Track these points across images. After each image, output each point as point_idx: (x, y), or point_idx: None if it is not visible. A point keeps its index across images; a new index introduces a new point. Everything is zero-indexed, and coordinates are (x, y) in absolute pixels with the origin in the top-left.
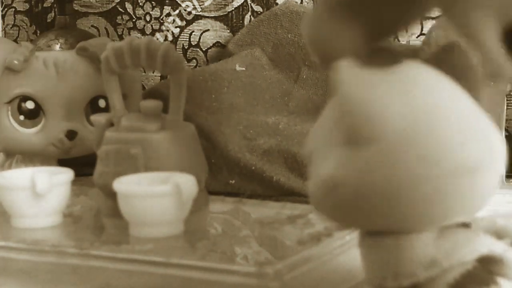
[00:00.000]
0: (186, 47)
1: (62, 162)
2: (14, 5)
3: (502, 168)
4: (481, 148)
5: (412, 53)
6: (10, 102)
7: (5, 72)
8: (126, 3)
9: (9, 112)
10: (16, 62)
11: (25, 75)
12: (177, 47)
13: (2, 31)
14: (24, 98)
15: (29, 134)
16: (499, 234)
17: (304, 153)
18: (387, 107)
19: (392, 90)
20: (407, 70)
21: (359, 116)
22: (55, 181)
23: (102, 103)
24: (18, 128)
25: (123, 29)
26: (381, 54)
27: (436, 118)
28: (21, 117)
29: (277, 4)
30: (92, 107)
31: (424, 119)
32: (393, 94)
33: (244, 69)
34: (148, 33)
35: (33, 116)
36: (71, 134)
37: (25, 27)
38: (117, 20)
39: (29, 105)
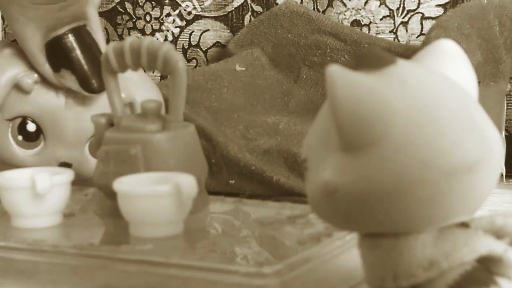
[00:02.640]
0: (186, 47)
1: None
2: None
3: (501, 166)
4: (479, 146)
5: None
6: (12, 120)
7: (14, 89)
8: (126, 3)
9: (9, 129)
10: (28, 81)
11: (32, 96)
12: (177, 47)
13: (2, 31)
14: (26, 118)
15: (24, 155)
16: (498, 234)
17: (300, 158)
18: (384, 110)
19: (388, 92)
20: (401, 71)
21: (356, 122)
22: (55, 181)
23: None
24: (15, 146)
25: (123, 29)
26: (370, 57)
27: (433, 118)
28: (20, 137)
29: (277, 4)
30: None
31: (421, 120)
32: (389, 96)
33: (244, 69)
34: (148, 33)
35: (32, 138)
36: (64, 166)
37: None
38: (117, 20)
39: (30, 127)
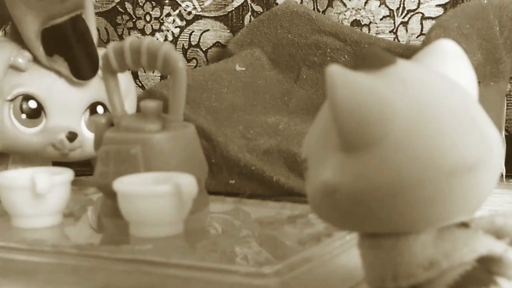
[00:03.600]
0: (186, 47)
1: (61, 162)
2: None
3: (501, 166)
4: (479, 146)
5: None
6: (12, 100)
7: (10, 71)
8: (126, 3)
9: (11, 111)
10: (21, 61)
11: (28, 75)
12: (177, 47)
13: (2, 30)
14: (27, 97)
15: (29, 134)
16: (498, 234)
17: (300, 158)
18: (384, 110)
19: (388, 92)
20: (401, 71)
21: (356, 122)
22: (55, 181)
23: (100, 109)
24: (19, 127)
25: (123, 29)
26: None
27: (433, 118)
28: (23, 116)
29: (277, 4)
30: (90, 113)
31: (421, 120)
32: (389, 96)
33: (244, 69)
34: (148, 33)
35: (34, 115)
36: (72, 136)
37: None
38: (117, 20)
39: (32, 104)
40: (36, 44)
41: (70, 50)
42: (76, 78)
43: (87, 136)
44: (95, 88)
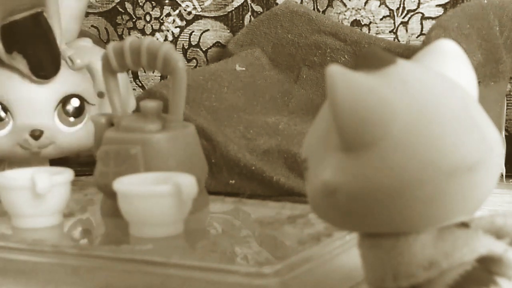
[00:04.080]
0: (186, 47)
1: (61, 162)
2: None
3: (501, 166)
4: (479, 146)
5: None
6: None
7: None
8: (126, 3)
9: None
10: None
11: None
12: (177, 47)
13: None
14: None
15: None
16: (498, 234)
17: (300, 158)
18: (384, 110)
19: (388, 92)
20: (401, 71)
21: (356, 122)
22: (55, 181)
23: (75, 102)
24: None
25: (123, 29)
26: (370, 57)
27: (433, 118)
28: None
29: (277, 4)
30: (65, 106)
31: (421, 120)
32: (389, 96)
33: (244, 69)
34: (148, 33)
35: (1, 118)
36: (35, 133)
37: None
38: (117, 20)
39: None
40: None
41: (30, 47)
42: (36, 77)
43: (63, 130)
44: (66, 82)
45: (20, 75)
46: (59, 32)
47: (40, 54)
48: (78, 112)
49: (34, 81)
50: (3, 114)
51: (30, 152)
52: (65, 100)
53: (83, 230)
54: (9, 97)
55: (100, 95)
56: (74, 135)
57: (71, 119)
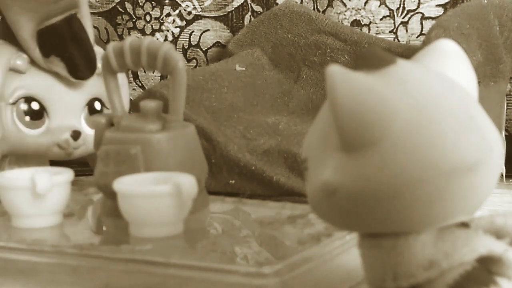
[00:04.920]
0: (186, 47)
1: (61, 162)
2: None
3: (501, 166)
4: (479, 146)
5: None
6: (14, 103)
7: (10, 74)
8: (126, 3)
9: (14, 114)
10: (20, 63)
11: (28, 77)
12: (177, 47)
13: None
14: (28, 99)
15: (34, 136)
16: (498, 234)
17: (300, 158)
18: (384, 110)
19: (388, 92)
20: (401, 71)
21: (356, 122)
22: (55, 181)
23: (97, 105)
24: (24, 129)
25: (123, 29)
26: (370, 57)
27: (433, 118)
28: (27, 118)
29: (277, 4)
30: (89, 110)
31: (421, 120)
32: (389, 96)
33: (244, 69)
34: (148, 33)
35: (37, 117)
36: (76, 134)
37: None
38: (117, 20)
39: (34, 106)
40: (32, 46)
41: (66, 50)
42: (74, 78)
43: (88, 133)
44: (91, 85)
45: (54, 76)
46: (91, 32)
47: (76, 56)
48: None
49: (70, 82)
50: (40, 113)
51: (65, 153)
52: (90, 103)
53: (83, 230)
54: (45, 96)
55: None
56: None
57: None
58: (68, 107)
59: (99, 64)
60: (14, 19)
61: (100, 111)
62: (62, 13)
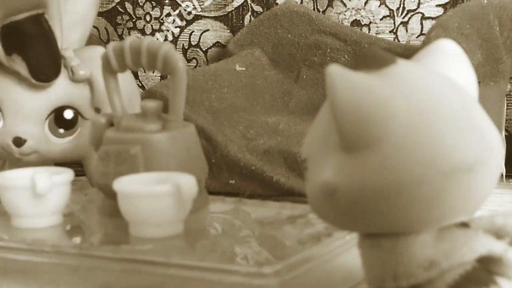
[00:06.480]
0: (186, 47)
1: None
2: None
3: (501, 166)
4: (479, 146)
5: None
6: None
7: None
8: (126, 3)
9: None
10: None
11: None
12: (177, 47)
13: None
14: None
15: None
16: (498, 234)
17: (300, 158)
18: (384, 111)
19: (388, 92)
20: (401, 71)
21: (356, 122)
22: (55, 181)
23: (68, 114)
24: None
25: (123, 29)
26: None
27: (433, 118)
28: None
29: (277, 4)
30: (58, 117)
31: (421, 120)
32: (389, 96)
33: (244, 69)
34: (148, 33)
35: None
36: (18, 141)
37: None
38: (117, 20)
39: None
40: None
41: (30, 49)
42: (35, 80)
43: (52, 141)
44: (62, 92)
45: (17, 78)
46: (60, 35)
47: (40, 57)
48: (71, 125)
49: (32, 85)
50: None
51: (14, 157)
52: (58, 110)
53: (83, 230)
54: (2, 98)
55: (97, 110)
56: (60, 147)
57: (61, 130)
58: (25, 112)
59: (82, 72)
60: None
61: (72, 120)
62: (28, 11)
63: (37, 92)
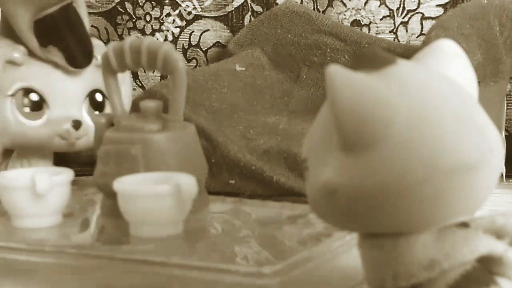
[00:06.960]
0: (186, 47)
1: (61, 163)
2: None
3: (501, 166)
4: (479, 146)
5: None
6: (13, 95)
7: (7, 66)
8: (126, 3)
9: (14, 105)
10: (16, 55)
11: (26, 68)
12: (177, 47)
13: None
14: (27, 90)
15: (34, 127)
16: (498, 234)
17: (300, 158)
18: (384, 111)
19: (388, 92)
20: (401, 71)
21: (356, 122)
22: (55, 181)
23: (99, 96)
24: (24, 120)
25: (123, 29)
26: (370, 57)
27: (433, 118)
28: (26, 109)
29: (277, 4)
30: (91, 100)
31: (421, 120)
32: (389, 96)
33: (244, 69)
34: (148, 33)
35: (38, 107)
36: (77, 124)
37: None
38: (117, 20)
39: (33, 97)
40: (29, 37)
41: (63, 39)
42: (72, 67)
43: (90, 124)
44: (91, 76)
45: (52, 66)
46: (87, 21)
47: (73, 45)
48: (101, 107)
49: (69, 71)
50: (39, 104)
51: (68, 143)
52: (91, 94)
53: (83, 230)
54: (44, 87)
55: None
56: None
57: (96, 113)
58: (68, 97)
59: (98, 56)
60: (12, 11)
61: (102, 103)
62: (58, 3)
63: (74, 78)
